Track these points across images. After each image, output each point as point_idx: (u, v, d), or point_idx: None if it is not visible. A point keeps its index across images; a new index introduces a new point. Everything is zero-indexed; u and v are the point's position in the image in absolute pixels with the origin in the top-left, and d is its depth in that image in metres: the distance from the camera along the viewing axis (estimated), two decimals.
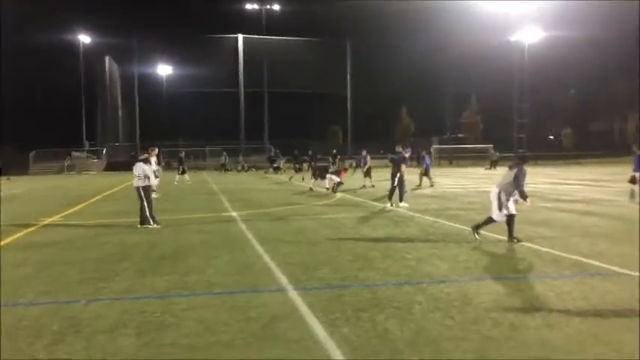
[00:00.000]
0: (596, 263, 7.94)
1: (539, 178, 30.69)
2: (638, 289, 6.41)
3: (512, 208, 9.75)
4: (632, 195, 16.62)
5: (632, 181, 16.81)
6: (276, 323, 5.37)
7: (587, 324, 5.24)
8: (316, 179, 24.08)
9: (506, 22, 62.68)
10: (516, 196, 9.71)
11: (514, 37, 64.20)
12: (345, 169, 25.47)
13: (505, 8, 60.42)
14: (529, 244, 9.52)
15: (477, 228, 9.99)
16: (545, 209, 15.21)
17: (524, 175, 9.65)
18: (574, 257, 8.38)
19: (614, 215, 13.65)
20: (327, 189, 22.84)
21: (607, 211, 14.47)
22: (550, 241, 9.85)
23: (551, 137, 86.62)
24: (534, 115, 71.74)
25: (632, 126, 76.46)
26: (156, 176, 21.23)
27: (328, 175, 23.28)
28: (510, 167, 9.96)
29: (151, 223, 12.50)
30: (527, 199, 9.67)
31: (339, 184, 22.57)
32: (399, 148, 17.51)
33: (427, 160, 27.15)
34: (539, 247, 9.24)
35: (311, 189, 23.56)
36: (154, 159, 20.65)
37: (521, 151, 55.33)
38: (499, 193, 9.76)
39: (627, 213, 13.98)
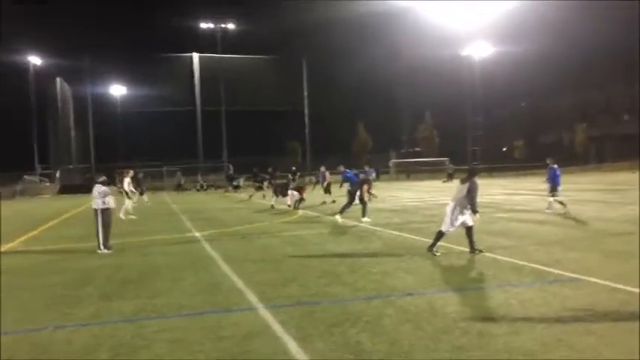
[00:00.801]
0: (555, 270, 8.24)
1: (495, 189, 31.48)
2: (600, 295, 6.70)
3: (468, 220, 10.01)
4: (549, 206, 17.18)
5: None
6: (249, 341, 5.40)
7: (551, 329, 5.45)
8: (277, 196, 24.10)
9: (456, 37, 64.34)
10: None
11: (464, 52, 65.93)
12: (305, 187, 25.50)
13: (455, 24, 62.02)
14: (490, 254, 9.79)
15: (431, 247, 10.16)
16: (501, 219, 15.65)
17: (475, 188, 9.91)
18: (533, 265, 8.67)
19: (568, 224, 14.14)
20: (289, 206, 22.89)
21: (560, 220, 14.98)
22: (509, 251, 10.15)
23: (505, 149, 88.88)
24: (488, 128, 73.59)
25: (580, 137, 79.25)
26: (129, 197, 21.25)
27: (290, 192, 23.36)
28: (462, 181, 10.21)
29: (101, 248, 11.96)
30: (477, 214, 9.95)
31: (301, 200, 22.65)
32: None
33: (373, 175, 28.11)
34: (500, 257, 9.52)
35: (272, 206, 23.56)
36: (127, 180, 20.77)
37: (474, 164, 56.67)
38: (454, 207, 10.00)
39: (579, 221, 14.49)
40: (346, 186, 18.49)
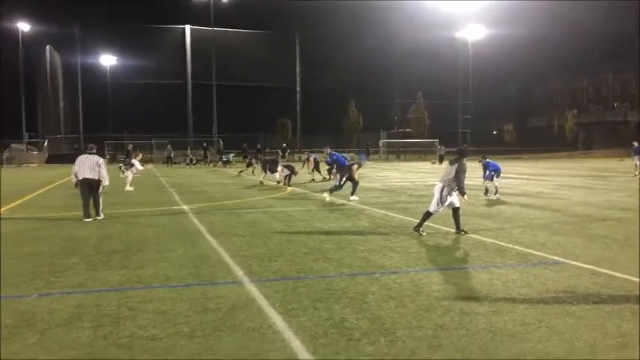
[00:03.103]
0: (538, 253, 8.34)
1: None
2: (581, 278, 6.81)
3: (455, 201, 10.08)
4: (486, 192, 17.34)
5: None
6: (234, 314, 5.44)
7: (532, 310, 5.54)
8: (266, 173, 24.09)
9: (451, 20, 64.14)
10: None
11: (458, 34, 65.72)
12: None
13: (449, 6, 61.75)
14: (475, 236, 9.88)
15: (418, 226, 10.20)
16: (488, 202, 15.77)
17: (464, 170, 9.95)
18: (517, 248, 8.77)
19: (554, 208, 14.28)
20: (278, 182, 22.90)
21: (547, 204, 15.12)
22: (495, 233, 10.25)
23: (495, 132, 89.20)
24: (478, 111, 73.79)
25: (570, 123, 79.66)
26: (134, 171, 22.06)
27: (279, 168, 23.34)
28: (451, 162, 10.24)
29: (99, 215, 12.66)
30: (465, 195, 10.01)
31: (291, 176, 22.64)
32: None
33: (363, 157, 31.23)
34: (485, 239, 9.62)
35: (261, 182, 23.56)
36: (138, 159, 22.15)
37: (464, 145, 56.79)
38: (442, 188, 10.05)
39: (565, 205, 14.64)
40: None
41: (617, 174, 29.62)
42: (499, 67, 76.08)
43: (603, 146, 69.46)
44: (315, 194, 18.72)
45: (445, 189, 10.00)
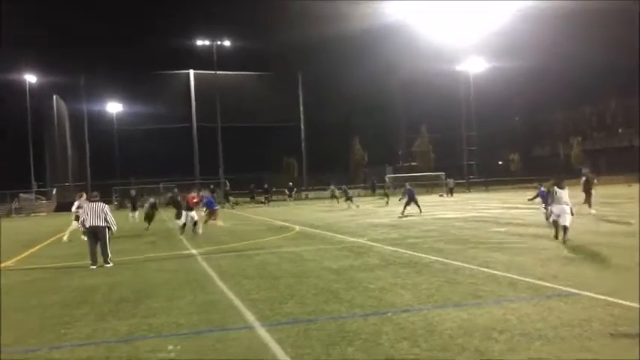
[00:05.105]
0: (551, 285, 8.25)
1: (493, 203, 31.53)
2: (596, 309, 6.71)
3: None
4: None
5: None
6: None
7: (548, 346, 5.45)
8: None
9: (451, 53, 64.87)
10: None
11: (459, 67, 66.40)
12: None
13: (450, 40, 62.57)
14: (486, 270, 9.79)
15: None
16: (498, 234, 15.66)
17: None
18: (529, 280, 8.68)
19: (564, 239, 14.13)
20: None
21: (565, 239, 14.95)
22: (506, 265, 10.16)
23: (500, 163, 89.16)
24: (483, 143, 73.93)
25: (576, 150, 79.65)
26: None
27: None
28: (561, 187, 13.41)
29: (108, 262, 12.62)
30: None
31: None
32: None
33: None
34: (496, 272, 9.53)
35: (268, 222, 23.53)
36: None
37: (470, 177, 56.62)
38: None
39: (574, 236, 14.50)
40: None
41: (626, 200, 29.43)
42: (501, 98, 76.56)
43: (610, 172, 69.17)
44: (325, 233, 18.66)
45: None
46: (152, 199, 25.19)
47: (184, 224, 19.81)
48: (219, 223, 20.92)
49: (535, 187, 18.47)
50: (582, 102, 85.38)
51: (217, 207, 20.76)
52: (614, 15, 60.80)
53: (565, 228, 13.17)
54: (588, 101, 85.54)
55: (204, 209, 20.29)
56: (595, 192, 21.92)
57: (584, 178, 22.21)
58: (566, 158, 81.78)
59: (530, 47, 68.79)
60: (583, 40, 64.56)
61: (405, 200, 27.03)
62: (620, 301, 7.00)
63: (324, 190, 59.62)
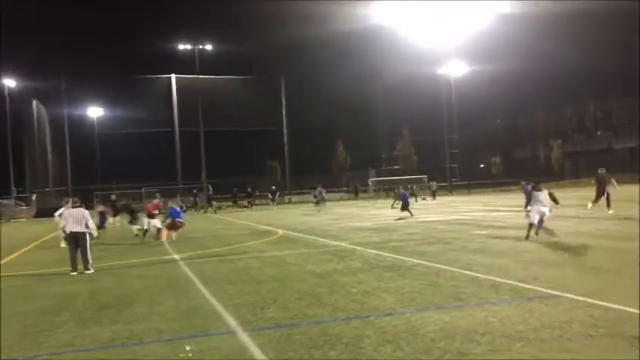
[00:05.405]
0: (532, 287, 8.32)
1: (475, 205, 31.73)
2: (577, 311, 6.78)
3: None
4: None
5: None
6: None
7: (529, 347, 5.49)
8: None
9: (433, 57, 65.27)
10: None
11: (441, 71, 66.84)
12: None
13: (431, 44, 62.93)
14: (468, 272, 9.85)
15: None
16: (480, 236, 15.77)
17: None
18: (511, 282, 8.74)
19: (544, 241, 14.28)
20: None
21: (537, 236, 15.10)
22: (487, 268, 10.23)
23: (482, 166, 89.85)
24: (465, 145, 74.41)
25: (556, 153, 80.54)
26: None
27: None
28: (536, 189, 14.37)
29: (89, 269, 12.37)
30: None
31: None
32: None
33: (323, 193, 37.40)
34: (478, 274, 9.58)
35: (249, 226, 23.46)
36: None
37: (452, 180, 57.04)
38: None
39: (556, 238, 14.66)
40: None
41: (604, 201, 29.78)
42: (482, 100, 77.20)
43: (589, 175, 70.06)
44: (308, 237, 18.64)
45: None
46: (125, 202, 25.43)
47: (146, 230, 19.81)
48: (171, 236, 19.17)
49: (521, 187, 18.80)
50: (562, 104, 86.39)
51: (182, 220, 19.61)
52: (593, 17, 61.69)
53: (540, 223, 14.19)
54: (568, 103, 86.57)
55: (169, 218, 19.44)
56: (612, 191, 22.08)
57: (596, 178, 22.41)
58: (546, 160, 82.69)
59: (511, 50, 69.50)
60: (563, 43, 65.42)
61: (399, 204, 27.09)
62: (600, 303, 7.08)
63: (308, 193, 59.68)
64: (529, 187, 17.89)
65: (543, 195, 14.30)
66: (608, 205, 21.67)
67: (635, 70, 61.37)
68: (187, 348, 5.95)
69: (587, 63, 67.31)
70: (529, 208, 14.78)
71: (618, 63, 66.50)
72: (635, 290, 7.60)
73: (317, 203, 36.61)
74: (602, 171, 22.79)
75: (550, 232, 14.37)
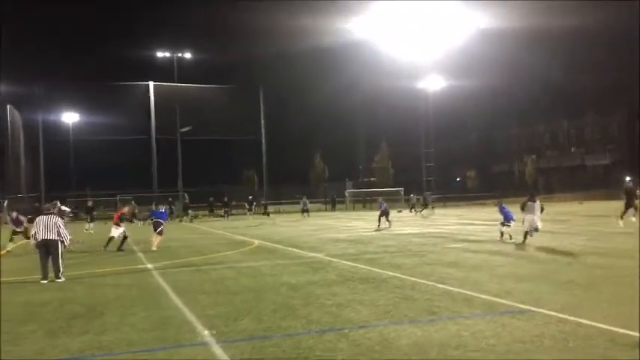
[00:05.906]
0: (505, 302, 8.39)
1: (450, 219, 31.98)
2: (549, 326, 6.85)
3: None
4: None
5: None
6: None
7: None
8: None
9: (411, 71, 65.90)
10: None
11: (419, 85, 67.51)
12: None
13: (411, 57, 63.56)
14: (442, 285, 9.90)
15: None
16: (454, 250, 15.88)
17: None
18: (484, 297, 8.81)
19: (519, 254, 14.46)
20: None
21: (512, 251, 15.29)
22: (461, 282, 10.29)
23: (458, 179, 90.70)
24: (441, 159, 75.14)
25: (529, 168, 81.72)
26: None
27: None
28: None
29: (60, 277, 12.11)
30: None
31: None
32: None
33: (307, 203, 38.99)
34: (452, 288, 9.64)
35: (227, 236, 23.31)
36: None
37: (428, 193, 57.46)
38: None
39: (529, 251, 14.85)
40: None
41: (578, 217, 30.29)
42: (459, 115, 78.30)
43: (562, 190, 71.21)
44: (283, 248, 18.57)
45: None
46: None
47: (111, 238, 19.90)
48: (154, 244, 19.17)
49: (496, 202, 19.47)
50: (537, 120, 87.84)
51: (162, 221, 19.72)
52: (569, 35, 62.99)
53: (535, 230, 16.07)
54: (542, 120, 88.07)
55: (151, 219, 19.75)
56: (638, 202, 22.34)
57: (626, 190, 22.59)
58: (520, 175, 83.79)
59: (487, 66, 70.63)
60: (538, 60, 66.67)
61: (379, 214, 27.60)
62: (572, 318, 7.16)
63: (286, 203, 59.59)
64: (504, 206, 18.40)
65: (536, 205, 16.19)
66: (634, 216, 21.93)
67: (606, 88, 62.72)
68: None
69: (562, 80, 68.67)
70: (523, 216, 16.35)
71: (592, 80, 67.97)
72: (607, 306, 7.72)
73: (303, 212, 41.02)
74: (629, 182, 22.81)
75: (522, 247, 14.63)
